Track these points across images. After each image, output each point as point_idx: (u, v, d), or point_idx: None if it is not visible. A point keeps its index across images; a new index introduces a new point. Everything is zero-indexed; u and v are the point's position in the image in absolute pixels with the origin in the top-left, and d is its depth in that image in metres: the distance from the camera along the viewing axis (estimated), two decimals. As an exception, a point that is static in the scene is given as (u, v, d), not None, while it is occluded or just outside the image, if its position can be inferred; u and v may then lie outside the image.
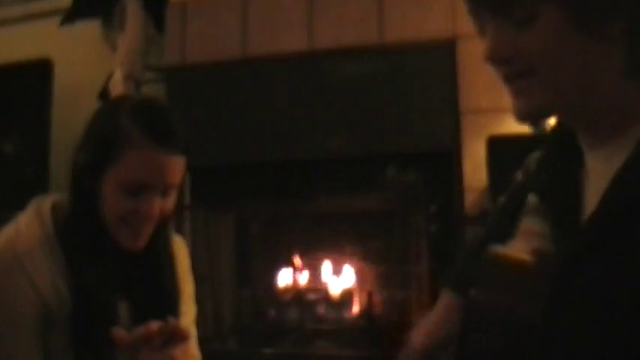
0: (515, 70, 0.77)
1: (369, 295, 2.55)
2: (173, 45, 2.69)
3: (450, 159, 2.36)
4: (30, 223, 1.13)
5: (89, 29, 3.01)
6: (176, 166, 1.14)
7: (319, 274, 2.83)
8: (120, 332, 0.99)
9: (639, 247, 0.68)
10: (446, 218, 2.39)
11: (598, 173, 0.79)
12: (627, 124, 0.76)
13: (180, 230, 2.63)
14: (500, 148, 2.16)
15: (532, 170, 0.98)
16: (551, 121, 0.91)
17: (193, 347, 1.27)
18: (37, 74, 2.94)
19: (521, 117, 0.80)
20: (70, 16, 2.95)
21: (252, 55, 2.59)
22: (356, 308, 2.73)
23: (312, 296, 2.76)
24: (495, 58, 0.78)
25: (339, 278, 2.79)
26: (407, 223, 2.73)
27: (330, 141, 2.46)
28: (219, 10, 2.64)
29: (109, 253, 1.17)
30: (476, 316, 0.81)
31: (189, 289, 1.33)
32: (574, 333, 0.71)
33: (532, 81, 0.76)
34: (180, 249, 1.34)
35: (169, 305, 1.20)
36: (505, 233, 0.89)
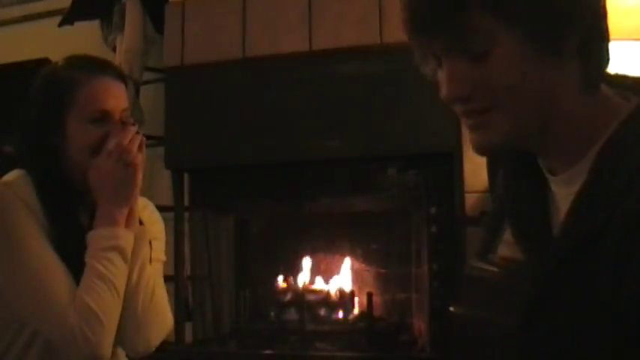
0: (475, 107, 0.74)
1: (369, 297, 2.54)
2: (172, 46, 2.68)
3: (451, 160, 2.35)
4: (11, 173, 1.27)
5: (88, 30, 3.01)
6: (122, 91, 1.32)
7: (319, 276, 2.82)
8: None
9: (600, 266, 0.68)
10: (446, 219, 2.38)
11: (563, 196, 0.78)
12: (586, 146, 0.75)
13: (179, 231, 2.62)
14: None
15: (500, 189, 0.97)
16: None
17: (160, 280, 1.37)
18: (36, 74, 2.93)
19: (482, 151, 0.77)
20: (69, 17, 2.95)
21: (251, 55, 2.58)
22: (356, 310, 2.73)
23: (311, 297, 2.75)
24: (455, 98, 0.75)
25: (339, 279, 2.79)
26: (407, 224, 2.72)
27: (329, 142, 2.45)
28: (219, 11, 2.63)
29: (76, 199, 1.30)
30: (457, 330, 0.81)
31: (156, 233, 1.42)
32: (552, 342, 0.71)
33: (492, 115, 0.74)
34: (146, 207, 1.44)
35: None
36: (490, 244, 0.88)
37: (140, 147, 1.28)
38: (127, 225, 1.27)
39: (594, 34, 0.73)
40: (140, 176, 1.30)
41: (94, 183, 1.26)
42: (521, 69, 0.71)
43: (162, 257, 1.44)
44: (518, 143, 0.78)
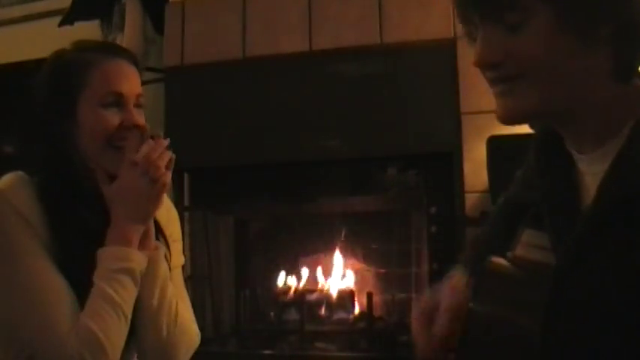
0: (504, 74, 0.77)
1: (369, 297, 2.54)
2: (172, 46, 2.69)
3: (451, 160, 2.36)
4: (6, 177, 1.17)
5: (88, 30, 3.01)
6: (136, 75, 1.23)
7: (319, 276, 2.82)
8: None
9: (632, 246, 0.69)
10: (446, 219, 2.38)
11: (592, 175, 0.80)
12: (617, 128, 0.77)
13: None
14: (501, 148, 2.15)
15: (520, 180, 0.98)
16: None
17: (181, 290, 1.30)
18: (36, 74, 2.93)
19: (505, 119, 0.79)
20: (69, 17, 2.94)
21: (251, 55, 2.59)
22: (356, 310, 2.73)
23: (311, 297, 2.75)
24: (485, 63, 0.78)
25: (339, 279, 2.78)
26: (407, 224, 2.72)
27: (329, 142, 2.45)
28: (219, 11, 2.64)
29: (86, 201, 1.19)
30: (475, 328, 0.80)
31: (175, 234, 1.36)
32: (574, 340, 0.71)
33: (520, 83, 0.76)
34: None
35: None
36: (504, 243, 0.89)
37: (168, 165, 1.18)
38: (142, 246, 1.17)
39: (629, 29, 0.76)
40: (164, 197, 1.20)
41: (111, 194, 1.16)
42: (551, 45, 0.74)
43: (182, 260, 1.36)
44: (545, 118, 0.81)
